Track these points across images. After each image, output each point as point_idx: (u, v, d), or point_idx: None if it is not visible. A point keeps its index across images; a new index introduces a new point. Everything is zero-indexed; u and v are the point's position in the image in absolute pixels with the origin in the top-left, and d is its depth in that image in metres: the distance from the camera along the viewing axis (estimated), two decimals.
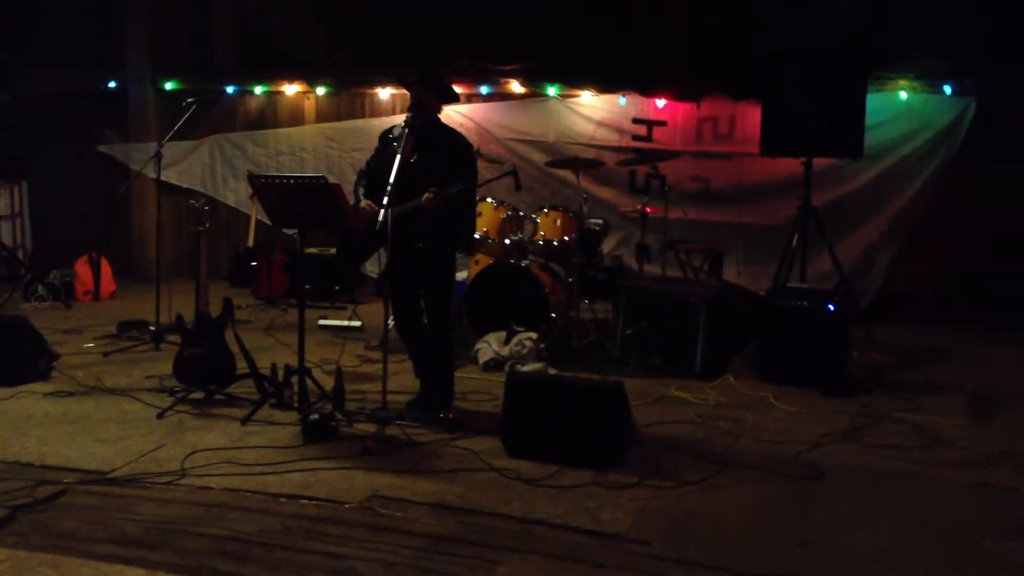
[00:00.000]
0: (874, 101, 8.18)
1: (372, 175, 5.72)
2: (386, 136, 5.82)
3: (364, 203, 5.63)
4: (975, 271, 8.90)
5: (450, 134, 5.79)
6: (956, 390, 6.69)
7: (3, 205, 11.05)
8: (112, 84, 11.31)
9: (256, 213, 10.25)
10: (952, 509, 4.46)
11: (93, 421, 5.57)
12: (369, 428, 5.39)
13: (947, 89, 8.70)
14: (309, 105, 11.01)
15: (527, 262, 7.73)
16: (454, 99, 6.00)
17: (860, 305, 8.47)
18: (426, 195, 5.38)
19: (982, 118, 8.57)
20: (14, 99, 11.36)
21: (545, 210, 8.00)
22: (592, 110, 9.82)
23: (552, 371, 6.59)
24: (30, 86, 11.29)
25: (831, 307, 6.71)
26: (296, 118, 11.04)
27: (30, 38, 11.36)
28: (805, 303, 6.79)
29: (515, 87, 10.00)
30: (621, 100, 9.69)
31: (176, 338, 6.37)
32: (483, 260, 7.95)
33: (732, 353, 7.32)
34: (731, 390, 6.59)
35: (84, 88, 11.37)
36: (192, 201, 6.55)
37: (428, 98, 5.64)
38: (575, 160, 7.97)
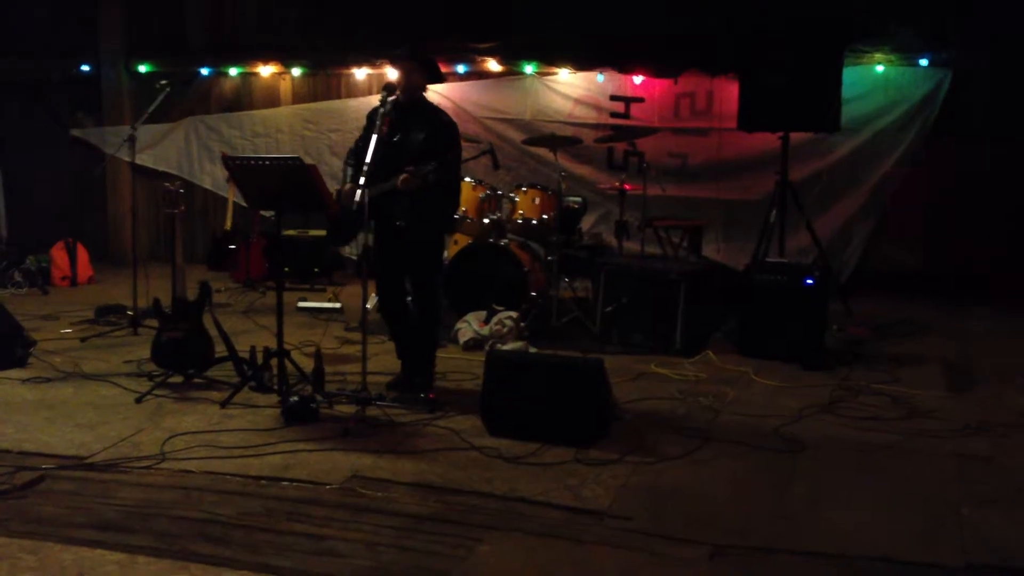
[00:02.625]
0: (850, 75, 8.21)
1: (359, 154, 5.68)
2: (373, 115, 5.77)
3: (349, 183, 5.60)
4: (953, 245, 8.95)
5: (434, 112, 5.74)
6: (934, 362, 6.74)
7: None
8: (85, 68, 11.21)
9: (233, 196, 10.19)
10: (930, 479, 4.49)
11: (71, 407, 5.53)
12: (349, 409, 5.37)
13: (923, 62, 8.73)
14: (285, 86, 10.94)
15: (506, 241, 7.72)
16: (440, 79, 5.96)
17: (839, 279, 8.51)
18: (402, 176, 5.36)
19: (960, 92, 8.61)
20: None
21: (523, 188, 7.99)
22: (569, 87, 9.80)
23: (532, 349, 6.59)
24: (2, 72, 11.16)
25: (810, 281, 6.73)
26: (272, 99, 10.97)
27: (1, 24, 11.21)
28: (784, 278, 6.81)
29: (492, 65, 9.96)
30: (598, 77, 9.68)
31: (154, 322, 6.33)
32: (462, 240, 7.93)
33: (712, 329, 7.34)
34: (711, 365, 6.62)
35: (57, 72, 11.26)
36: (167, 184, 6.48)
37: (416, 74, 5.60)
38: (553, 138, 7.95)
